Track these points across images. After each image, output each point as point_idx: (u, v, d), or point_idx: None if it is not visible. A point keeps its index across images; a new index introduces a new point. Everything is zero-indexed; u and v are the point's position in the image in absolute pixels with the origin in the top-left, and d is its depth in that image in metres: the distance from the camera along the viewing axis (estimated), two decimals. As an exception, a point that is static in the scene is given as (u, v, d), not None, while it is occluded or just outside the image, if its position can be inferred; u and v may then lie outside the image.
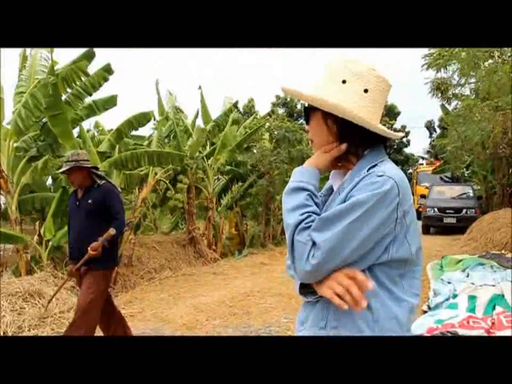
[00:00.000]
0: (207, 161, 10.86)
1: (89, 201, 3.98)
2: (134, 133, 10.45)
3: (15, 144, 7.21)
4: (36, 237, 7.11)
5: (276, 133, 11.98)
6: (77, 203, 4.05)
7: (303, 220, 1.28)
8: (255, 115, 16.04)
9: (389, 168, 1.33)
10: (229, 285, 7.98)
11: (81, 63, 6.89)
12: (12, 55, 7.85)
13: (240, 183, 12.51)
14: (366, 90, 1.36)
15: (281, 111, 31.03)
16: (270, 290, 7.25)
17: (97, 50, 7.84)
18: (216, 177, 12.32)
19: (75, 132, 8.10)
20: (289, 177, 1.43)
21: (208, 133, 10.72)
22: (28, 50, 7.30)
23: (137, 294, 7.34)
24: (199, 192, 11.07)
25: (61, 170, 4.16)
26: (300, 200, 1.33)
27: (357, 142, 1.39)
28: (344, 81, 1.36)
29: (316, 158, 1.44)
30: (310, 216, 1.29)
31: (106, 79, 7.80)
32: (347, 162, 1.43)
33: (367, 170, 1.33)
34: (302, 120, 33.62)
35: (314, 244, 1.23)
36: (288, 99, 31.74)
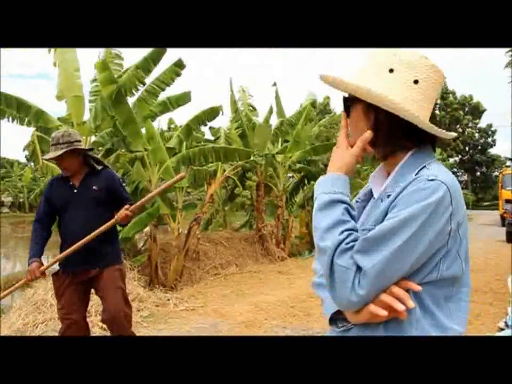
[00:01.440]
0: (278, 159, 10.79)
1: (95, 187, 3.42)
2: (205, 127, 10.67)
3: (92, 139, 7.60)
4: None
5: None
6: (74, 191, 3.43)
7: (343, 240, 1.09)
8: (333, 114, 15.74)
9: (440, 171, 1.13)
10: (293, 284, 7.86)
11: (139, 73, 7.01)
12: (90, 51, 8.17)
13: (312, 182, 12.33)
14: (416, 81, 1.17)
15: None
16: (334, 293, 7.03)
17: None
18: (289, 175, 12.23)
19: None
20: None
21: (277, 130, 10.64)
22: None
23: (201, 289, 7.44)
24: (270, 190, 11.04)
25: (50, 156, 3.39)
26: (336, 216, 1.13)
27: (401, 139, 1.20)
28: (391, 70, 1.19)
29: (341, 160, 1.23)
30: (350, 234, 1.10)
31: (178, 74, 7.93)
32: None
33: (415, 174, 1.13)
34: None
35: (359, 269, 1.06)
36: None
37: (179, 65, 7.91)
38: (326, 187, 1.20)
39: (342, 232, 1.10)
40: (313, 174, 12.03)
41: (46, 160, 5.19)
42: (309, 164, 11.82)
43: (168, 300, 6.45)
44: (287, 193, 11.58)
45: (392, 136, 1.20)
